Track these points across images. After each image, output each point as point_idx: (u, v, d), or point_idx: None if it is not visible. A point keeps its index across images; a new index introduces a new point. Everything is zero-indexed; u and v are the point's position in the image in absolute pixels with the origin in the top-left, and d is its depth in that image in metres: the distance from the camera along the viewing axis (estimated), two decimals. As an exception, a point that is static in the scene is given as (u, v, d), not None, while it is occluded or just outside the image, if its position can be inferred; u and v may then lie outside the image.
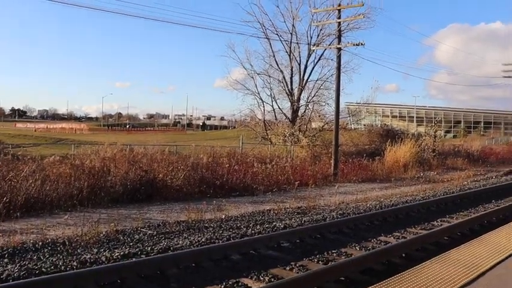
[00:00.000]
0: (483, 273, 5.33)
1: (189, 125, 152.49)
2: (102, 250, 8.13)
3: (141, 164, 14.94)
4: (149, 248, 8.29)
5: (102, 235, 9.06)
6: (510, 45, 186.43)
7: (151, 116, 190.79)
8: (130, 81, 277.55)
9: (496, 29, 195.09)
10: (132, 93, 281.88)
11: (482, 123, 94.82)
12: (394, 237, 10.02)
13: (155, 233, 9.61)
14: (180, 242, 8.81)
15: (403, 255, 8.50)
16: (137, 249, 8.20)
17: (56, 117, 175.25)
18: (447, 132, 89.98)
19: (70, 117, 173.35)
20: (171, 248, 8.36)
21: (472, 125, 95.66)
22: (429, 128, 36.53)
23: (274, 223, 10.93)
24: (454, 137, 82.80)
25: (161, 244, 8.65)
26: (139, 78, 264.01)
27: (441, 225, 11.38)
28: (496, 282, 5.12)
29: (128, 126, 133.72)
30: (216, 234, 9.60)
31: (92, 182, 12.99)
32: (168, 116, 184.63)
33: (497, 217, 12.54)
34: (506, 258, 6.08)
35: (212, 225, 10.55)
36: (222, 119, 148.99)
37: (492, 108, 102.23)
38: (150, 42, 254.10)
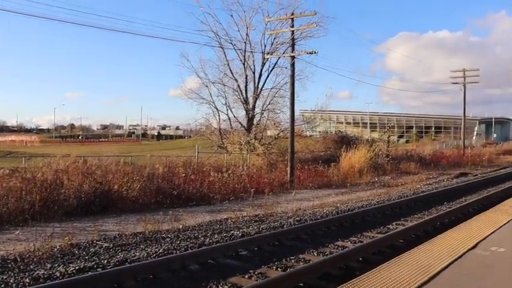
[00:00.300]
0: (435, 275, 5.47)
1: (144, 135, 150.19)
2: (56, 265, 7.90)
3: (95, 175, 14.61)
4: (105, 261, 8.13)
5: (56, 250, 8.82)
6: (456, 52, 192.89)
7: (105, 127, 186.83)
8: (82, 91, 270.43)
9: (444, 37, 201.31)
10: (85, 104, 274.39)
11: (433, 128, 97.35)
12: (351, 242, 10.16)
13: (111, 245, 9.42)
14: (137, 254, 8.67)
15: (360, 259, 8.63)
16: (93, 263, 8.02)
17: (4, 129, 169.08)
18: (400, 137, 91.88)
19: (20, 130, 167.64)
20: (128, 260, 8.22)
21: (423, 130, 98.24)
22: (382, 133, 37.34)
23: (232, 232, 10.90)
24: (407, 142, 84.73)
25: (118, 257, 8.49)
26: (92, 88, 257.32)
27: (396, 228, 11.60)
28: (448, 283, 5.27)
29: (81, 138, 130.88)
30: (173, 244, 9.50)
31: (44, 195, 12.62)
32: (123, 126, 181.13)
33: (450, 219, 12.90)
34: (458, 258, 6.28)
35: (169, 235, 10.43)
36: (177, 128, 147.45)
37: (442, 113, 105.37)
38: (103, 52, 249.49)
